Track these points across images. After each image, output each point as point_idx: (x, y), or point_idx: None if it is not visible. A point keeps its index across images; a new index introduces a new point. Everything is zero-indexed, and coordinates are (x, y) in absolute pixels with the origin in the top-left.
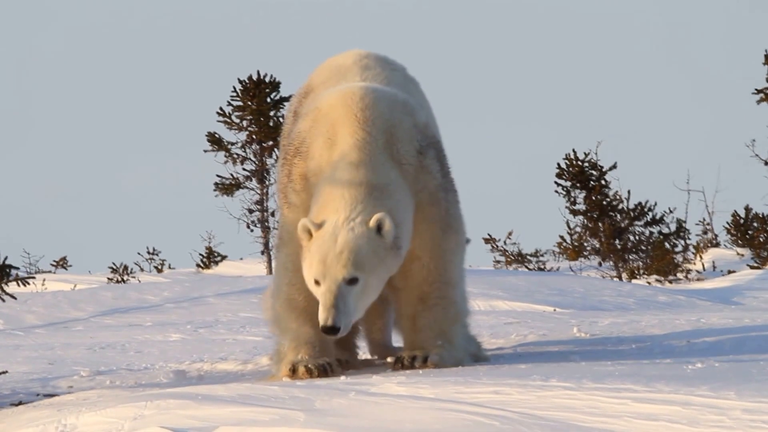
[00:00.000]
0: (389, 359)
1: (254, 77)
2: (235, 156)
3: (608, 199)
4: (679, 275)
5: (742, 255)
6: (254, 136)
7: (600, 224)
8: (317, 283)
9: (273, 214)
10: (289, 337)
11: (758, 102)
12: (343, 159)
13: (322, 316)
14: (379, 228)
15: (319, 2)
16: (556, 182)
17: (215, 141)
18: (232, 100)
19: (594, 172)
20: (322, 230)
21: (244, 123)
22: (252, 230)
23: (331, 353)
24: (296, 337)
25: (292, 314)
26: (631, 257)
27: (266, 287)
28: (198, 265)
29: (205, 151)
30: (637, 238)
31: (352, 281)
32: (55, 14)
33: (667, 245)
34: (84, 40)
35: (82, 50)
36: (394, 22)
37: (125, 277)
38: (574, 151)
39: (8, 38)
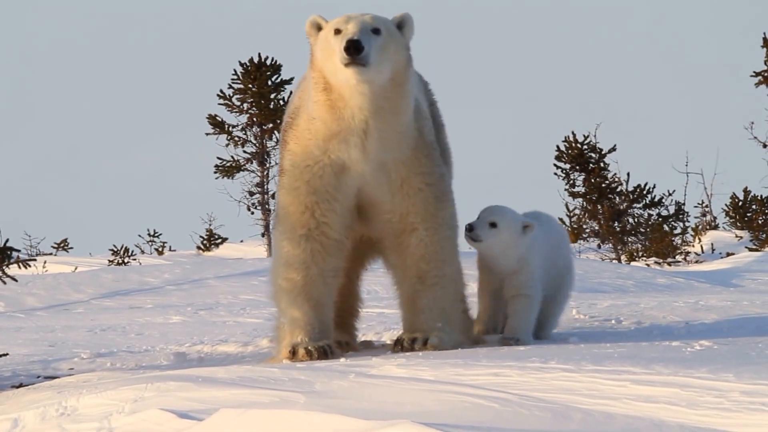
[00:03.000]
0: (389, 341)
1: (255, 60)
2: (236, 139)
3: (607, 182)
4: (678, 257)
5: (741, 237)
6: (255, 119)
7: (599, 206)
8: (338, 32)
9: (273, 197)
10: (287, 317)
11: (757, 85)
12: None
13: (350, 34)
14: (399, 26)
15: None
16: (555, 164)
17: (216, 124)
18: (233, 82)
19: (593, 155)
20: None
21: (245, 106)
22: (252, 213)
23: (330, 335)
24: (295, 318)
25: (290, 294)
26: (630, 239)
27: (267, 269)
28: (198, 248)
29: (207, 133)
30: (636, 220)
31: (375, 31)
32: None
33: (665, 227)
34: (86, 22)
35: (84, 32)
36: (392, 5)
37: (126, 260)
38: (573, 133)
39: (12, 21)
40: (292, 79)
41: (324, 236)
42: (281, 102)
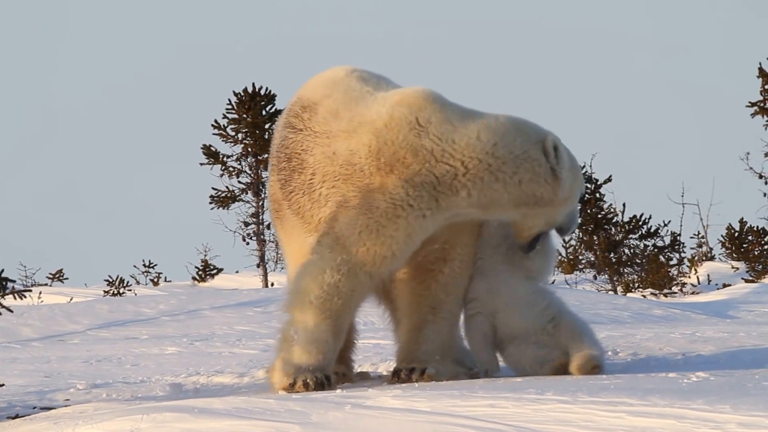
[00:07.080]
0: (385, 372)
1: (249, 90)
2: (230, 169)
3: (603, 213)
4: (674, 288)
5: (737, 268)
6: (250, 149)
7: (595, 237)
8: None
9: (269, 227)
10: (304, 335)
11: (752, 115)
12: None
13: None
14: None
15: (313, 16)
16: None
17: (211, 154)
18: (228, 112)
19: (589, 185)
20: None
21: (240, 136)
22: (248, 243)
23: (330, 366)
24: (312, 340)
25: (321, 315)
26: (626, 270)
27: (262, 300)
28: (194, 278)
29: (201, 163)
30: (632, 251)
31: None
32: (58, 32)
33: (662, 258)
34: (79, 54)
35: (78, 64)
36: (386, 36)
37: (121, 290)
38: None
39: (11, 59)
40: None
41: (384, 275)
42: None
